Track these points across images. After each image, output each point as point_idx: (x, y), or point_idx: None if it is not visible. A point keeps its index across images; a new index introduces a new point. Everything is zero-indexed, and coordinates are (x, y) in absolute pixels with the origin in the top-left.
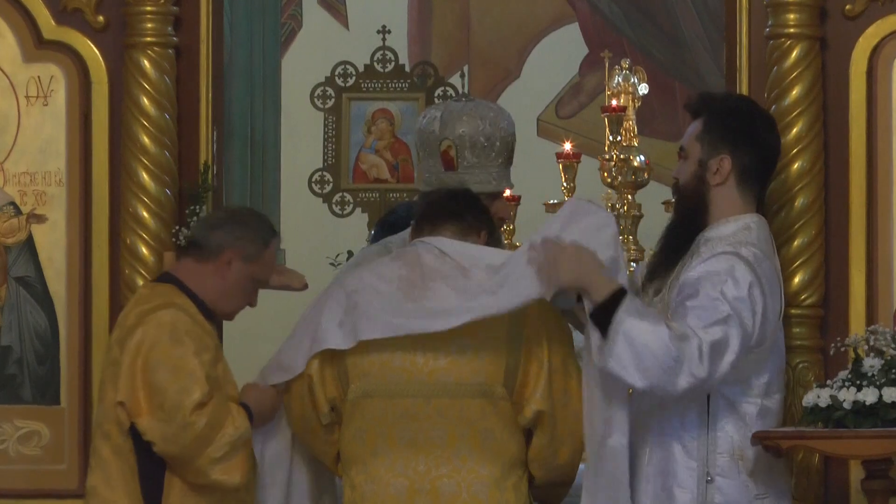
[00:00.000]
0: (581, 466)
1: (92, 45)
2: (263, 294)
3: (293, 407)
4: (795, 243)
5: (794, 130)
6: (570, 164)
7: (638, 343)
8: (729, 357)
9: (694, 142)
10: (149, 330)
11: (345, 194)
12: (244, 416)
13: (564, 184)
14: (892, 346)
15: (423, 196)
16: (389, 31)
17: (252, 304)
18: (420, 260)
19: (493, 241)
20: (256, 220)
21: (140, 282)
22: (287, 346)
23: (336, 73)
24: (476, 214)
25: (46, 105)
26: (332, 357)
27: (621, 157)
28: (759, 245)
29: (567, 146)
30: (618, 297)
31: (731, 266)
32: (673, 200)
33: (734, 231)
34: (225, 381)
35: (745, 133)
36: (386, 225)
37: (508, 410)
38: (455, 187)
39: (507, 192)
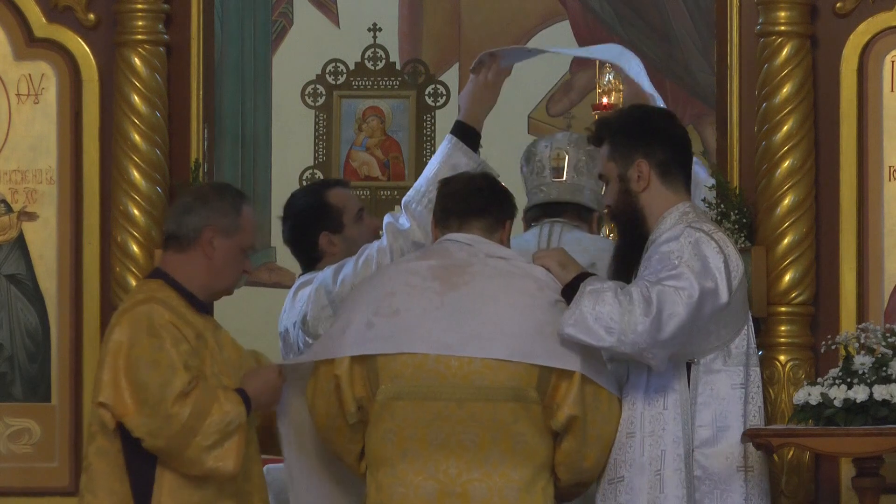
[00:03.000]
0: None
1: (83, 43)
2: (255, 292)
3: (318, 405)
4: (786, 241)
5: (785, 128)
6: None
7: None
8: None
9: (608, 163)
10: (125, 328)
11: None
12: (234, 402)
13: None
14: (883, 343)
15: (443, 184)
16: (380, 29)
17: (247, 270)
18: (451, 254)
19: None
20: (220, 192)
21: (131, 279)
22: (328, 333)
23: (327, 70)
24: (500, 206)
25: (37, 103)
26: (361, 357)
27: None
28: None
29: None
30: (582, 276)
31: (679, 233)
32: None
33: (675, 221)
34: (216, 373)
35: (649, 132)
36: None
37: (539, 414)
38: (474, 172)
39: None
